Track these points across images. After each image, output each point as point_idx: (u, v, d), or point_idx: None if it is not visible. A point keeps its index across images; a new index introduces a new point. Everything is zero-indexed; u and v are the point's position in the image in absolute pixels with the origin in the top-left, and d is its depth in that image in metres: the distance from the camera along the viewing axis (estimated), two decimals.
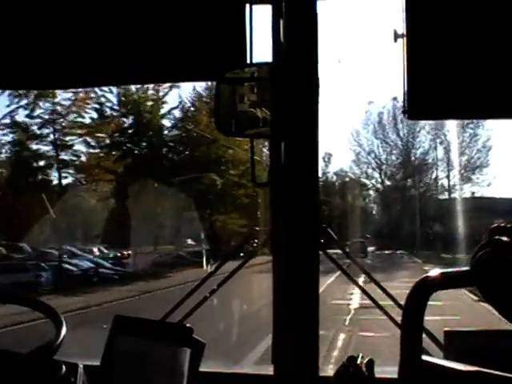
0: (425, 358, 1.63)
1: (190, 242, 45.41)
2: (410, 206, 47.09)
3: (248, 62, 2.33)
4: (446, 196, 44.86)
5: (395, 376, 1.64)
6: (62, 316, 2.35)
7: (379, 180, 51.87)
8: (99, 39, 2.38)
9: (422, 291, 1.62)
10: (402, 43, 2.28)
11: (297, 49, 2.23)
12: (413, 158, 46.33)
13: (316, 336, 2.23)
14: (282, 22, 2.36)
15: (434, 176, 46.98)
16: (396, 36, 2.29)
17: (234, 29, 2.30)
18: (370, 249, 44.02)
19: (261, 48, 2.44)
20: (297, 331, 2.20)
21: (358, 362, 1.97)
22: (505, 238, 1.59)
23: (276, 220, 2.40)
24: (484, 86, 2.24)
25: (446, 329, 2.26)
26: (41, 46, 2.41)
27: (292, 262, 2.22)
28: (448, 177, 44.49)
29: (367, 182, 52.39)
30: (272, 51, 2.44)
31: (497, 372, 1.54)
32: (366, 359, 2.00)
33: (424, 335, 1.70)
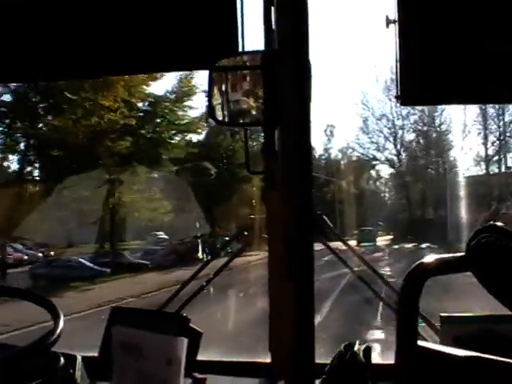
0: (421, 343, 1.63)
1: (161, 234, 44.13)
2: (436, 185, 38.31)
3: (240, 50, 2.33)
4: (482, 170, 35.50)
5: (392, 362, 1.65)
6: (58, 308, 2.36)
7: (393, 152, 42.83)
8: (89, 29, 2.37)
9: (418, 277, 1.62)
10: (393, 29, 2.28)
11: (288, 36, 2.22)
12: (437, 122, 36.63)
13: (312, 323, 2.23)
14: (273, 9, 2.35)
15: (466, 145, 39.60)
16: (388, 22, 2.28)
17: (226, 17, 2.30)
18: (384, 242, 39.62)
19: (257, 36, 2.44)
20: (293, 318, 2.21)
21: (355, 348, 1.98)
22: (500, 224, 1.60)
23: (271, 208, 2.40)
24: (476, 71, 2.24)
25: (442, 314, 2.26)
26: (28, 38, 2.40)
27: (287, 250, 2.23)
28: (485, 145, 34.63)
29: (379, 155, 44.18)
30: (264, 39, 2.44)
31: (493, 357, 1.55)
32: (363, 346, 2.01)
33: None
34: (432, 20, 2.22)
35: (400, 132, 38.27)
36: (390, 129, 38.18)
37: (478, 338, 2.12)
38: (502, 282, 1.59)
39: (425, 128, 37.79)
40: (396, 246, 33.43)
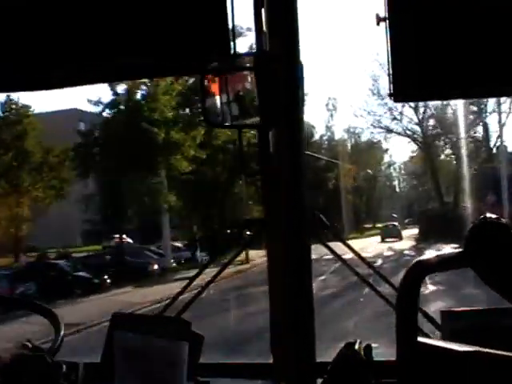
0: (421, 339, 1.63)
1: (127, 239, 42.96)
2: (479, 167, 32.58)
3: (232, 52, 2.33)
4: None
5: (393, 359, 1.65)
6: (60, 318, 2.41)
7: (415, 119, 35.84)
8: (79, 35, 2.37)
9: (417, 274, 1.63)
10: (384, 27, 2.29)
11: (279, 37, 2.23)
12: None
13: (312, 322, 2.24)
14: (263, 11, 2.36)
15: None
16: (378, 19, 2.29)
17: (216, 20, 2.30)
18: (407, 244, 36.98)
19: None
20: (293, 319, 2.21)
21: (356, 347, 1.98)
22: (495, 217, 1.60)
23: (268, 209, 2.40)
24: (467, 67, 2.25)
25: (442, 309, 2.27)
26: (20, 45, 2.40)
27: (285, 250, 2.23)
28: None
29: (394, 125, 37.43)
30: (255, 40, 2.44)
31: (494, 351, 1.55)
32: (364, 344, 2.01)
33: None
34: (422, 16, 2.22)
35: None
36: None
37: (478, 332, 2.13)
38: (501, 276, 1.59)
39: None
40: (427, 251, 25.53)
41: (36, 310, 2.56)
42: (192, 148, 34.96)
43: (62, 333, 2.39)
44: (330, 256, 2.53)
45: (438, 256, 1.65)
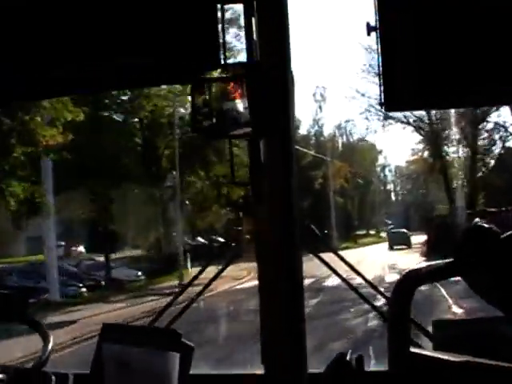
0: (413, 349, 1.63)
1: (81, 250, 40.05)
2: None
3: (222, 62, 2.33)
4: None
5: (385, 369, 1.64)
6: (49, 331, 2.43)
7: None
8: (78, 35, 2.36)
9: (408, 285, 1.63)
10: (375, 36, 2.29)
11: (270, 47, 2.23)
12: None
13: (303, 333, 2.23)
14: (253, 20, 2.36)
15: None
16: (369, 29, 2.29)
17: (207, 30, 2.30)
18: (414, 260, 30.44)
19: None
20: (284, 330, 2.20)
21: (348, 357, 1.98)
22: (486, 225, 1.60)
23: (258, 220, 2.40)
24: (460, 76, 2.25)
25: (433, 319, 2.26)
26: (20, 45, 2.40)
27: (276, 261, 2.22)
28: None
29: (393, 112, 30.01)
30: (246, 50, 2.44)
31: (486, 360, 1.55)
32: (356, 355, 2.01)
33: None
34: (413, 25, 2.22)
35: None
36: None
37: (470, 341, 2.12)
38: (490, 285, 1.59)
39: None
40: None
41: (25, 322, 2.57)
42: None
43: (50, 345, 2.40)
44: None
45: (429, 266, 1.65)
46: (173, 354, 2.17)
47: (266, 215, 2.25)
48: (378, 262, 34.64)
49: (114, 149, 31.55)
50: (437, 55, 2.23)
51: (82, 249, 42.86)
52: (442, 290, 18.22)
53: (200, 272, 2.89)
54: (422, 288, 1.69)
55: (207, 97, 2.49)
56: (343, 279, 2.80)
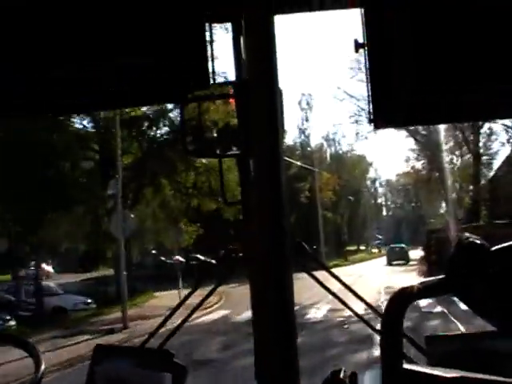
0: (407, 366, 1.63)
1: (46, 267, 37.21)
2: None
3: (211, 81, 2.34)
4: None
5: None
6: (41, 353, 2.44)
7: None
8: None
9: (401, 301, 1.63)
10: (363, 53, 2.30)
11: (258, 65, 2.23)
12: None
13: (295, 350, 2.22)
14: (241, 38, 2.37)
15: None
16: (357, 46, 2.29)
17: (195, 49, 2.30)
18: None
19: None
20: (277, 346, 2.20)
21: (341, 375, 1.98)
22: (478, 241, 1.60)
23: (249, 238, 2.40)
24: (451, 92, 2.26)
25: (426, 334, 2.26)
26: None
27: (267, 280, 2.22)
28: None
29: None
30: (235, 69, 2.46)
31: (480, 375, 1.55)
32: (349, 372, 2.00)
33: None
34: (402, 41, 2.23)
35: None
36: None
37: (464, 356, 2.12)
38: (484, 298, 1.59)
39: None
40: None
41: (17, 344, 2.57)
42: None
43: (42, 367, 2.40)
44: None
45: (421, 283, 1.65)
46: (166, 374, 2.16)
47: (256, 232, 2.25)
48: (373, 283, 33.65)
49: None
50: (426, 72, 2.24)
51: (50, 268, 40.76)
52: None
53: (191, 293, 2.88)
54: None
55: (196, 116, 2.50)
56: (333, 294, 2.79)
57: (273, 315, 2.18)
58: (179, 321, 2.85)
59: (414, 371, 1.63)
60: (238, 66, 2.43)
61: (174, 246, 36.72)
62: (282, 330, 2.20)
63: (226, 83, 2.50)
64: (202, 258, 40.01)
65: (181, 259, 38.37)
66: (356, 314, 2.84)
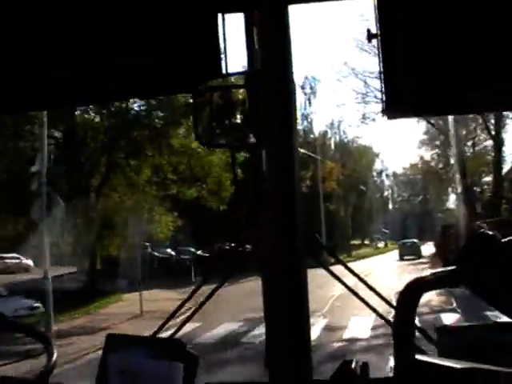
0: (418, 356, 1.63)
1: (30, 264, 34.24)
2: None
3: (224, 71, 2.34)
4: None
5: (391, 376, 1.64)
6: (53, 342, 2.47)
7: None
8: (70, 44, 2.37)
9: (413, 292, 1.63)
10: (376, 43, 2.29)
11: (271, 56, 2.23)
12: None
13: (308, 340, 2.22)
14: (254, 29, 2.37)
15: None
16: (370, 36, 2.29)
17: (208, 39, 2.30)
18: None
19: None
20: (289, 337, 2.20)
21: (353, 365, 1.98)
22: (490, 232, 1.60)
23: (261, 231, 2.39)
24: (464, 82, 2.25)
25: (437, 325, 2.27)
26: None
27: (280, 270, 2.22)
28: None
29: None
30: (247, 59, 2.45)
31: (490, 366, 1.55)
32: (361, 362, 2.01)
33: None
34: (416, 31, 2.22)
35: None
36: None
37: (475, 347, 2.12)
38: (496, 287, 1.59)
39: None
40: None
41: (30, 333, 2.61)
42: None
43: (54, 357, 2.43)
44: None
45: (433, 274, 1.65)
46: (177, 364, 2.16)
47: (268, 223, 2.24)
48: (382, 284, 31.50)
49: None
50: (440, 62, 2.23)
51: (30, 262, 37.05)
52: None
53: (200, 285, 2.87)
54: None
55: (209, 106, 2.50)
56: (346, 285, 2.79)
57: (282, 304, 2.18)
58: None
59: (426, 362, 1.63)
60: (251, 57, 2.42)
61: (136, 239, 29.58)
62: (296, 319, 2.20)
63: (239, 73, 2.49)
64: (193, 250, 38.20)
65: (171, 252, 36.47)
66: (367, 305, 2.84)
